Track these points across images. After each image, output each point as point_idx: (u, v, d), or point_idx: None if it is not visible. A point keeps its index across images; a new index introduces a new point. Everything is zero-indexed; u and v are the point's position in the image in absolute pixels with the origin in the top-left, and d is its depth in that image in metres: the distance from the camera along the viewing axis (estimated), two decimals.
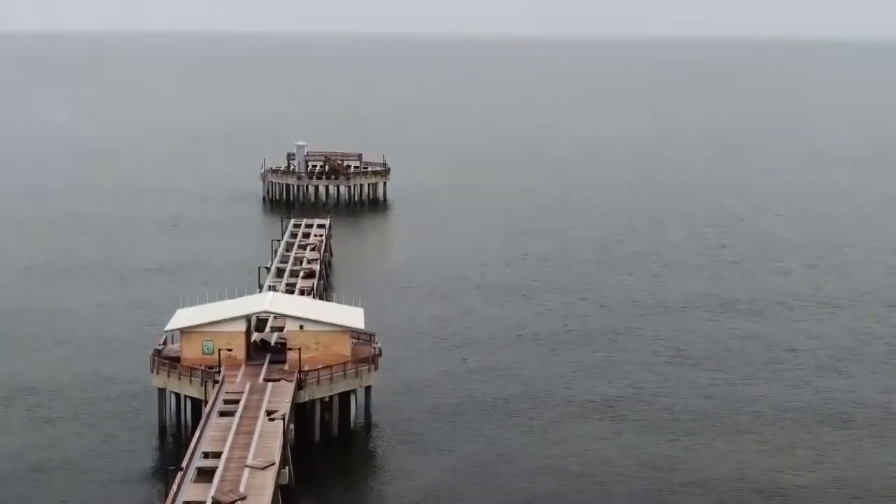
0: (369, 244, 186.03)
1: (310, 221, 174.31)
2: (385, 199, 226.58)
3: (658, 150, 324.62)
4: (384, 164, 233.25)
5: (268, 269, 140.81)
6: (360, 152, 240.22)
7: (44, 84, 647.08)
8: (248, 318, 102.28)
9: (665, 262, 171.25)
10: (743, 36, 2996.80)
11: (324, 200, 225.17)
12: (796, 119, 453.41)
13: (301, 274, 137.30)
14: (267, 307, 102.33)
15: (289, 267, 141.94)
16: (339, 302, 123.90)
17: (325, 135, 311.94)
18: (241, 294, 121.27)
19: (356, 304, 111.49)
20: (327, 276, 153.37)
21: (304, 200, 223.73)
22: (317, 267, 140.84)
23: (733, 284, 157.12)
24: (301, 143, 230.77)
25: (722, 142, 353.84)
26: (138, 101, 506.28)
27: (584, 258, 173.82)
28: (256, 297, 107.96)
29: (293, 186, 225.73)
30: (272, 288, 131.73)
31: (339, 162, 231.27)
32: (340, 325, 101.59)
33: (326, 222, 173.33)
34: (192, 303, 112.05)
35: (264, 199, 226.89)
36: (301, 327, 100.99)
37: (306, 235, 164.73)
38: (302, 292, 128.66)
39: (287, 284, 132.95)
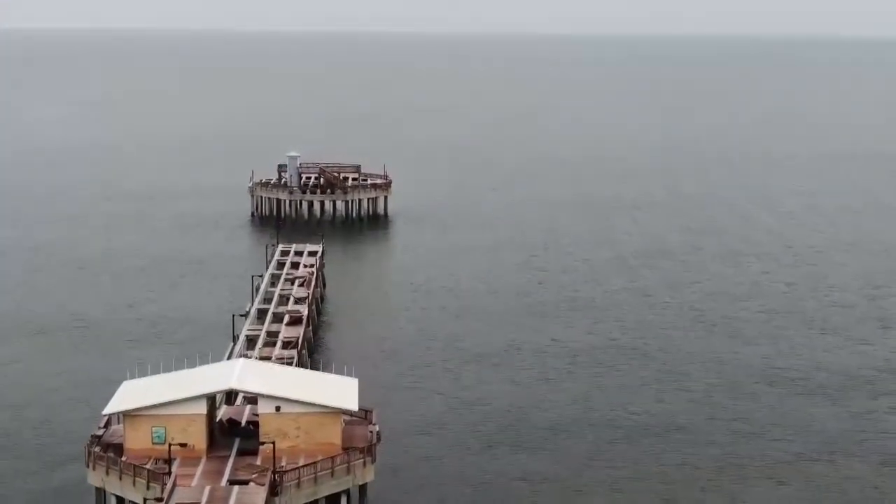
0: (368, 274, 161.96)
1: (300, 247, 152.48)
2: (386, 216, 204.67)
3: (674, 154, 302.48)
4: (385, 177, 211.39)
5: (245, 314, 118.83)
6: (359, 164, 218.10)
7: (30, 82, 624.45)
8: (209, 397, 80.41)
9: (694, 279, 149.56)
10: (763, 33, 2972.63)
11: (318, 217, 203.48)
12: (823, 121, 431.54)
13: (286, 320, 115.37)
14: (234, 384, 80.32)
15: (271, 309, 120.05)
16: (329, 359, 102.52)
17: (319, 144, 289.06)
18: (209, 351, 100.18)
19: (350, 361, 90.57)
20: (318, 315, 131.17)
21: (297, 217, 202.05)
22: (305, 310, 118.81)
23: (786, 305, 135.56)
24: (293, 153, 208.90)
25: (743, 147, 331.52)
26: (120, 102, 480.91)
27: (611, 285, 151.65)
28: (222, 367, 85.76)
29: (285, 202, 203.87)
30: (249, 340, 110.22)
31: (336, 174, 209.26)
32: (328, 406, 79.72)
33: (319, 249, 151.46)
34: (147, 365, 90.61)
35: (253, 216, 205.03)
36: (277, 409, 79.18)
37: (295, 266, 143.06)
38: (286, 344, 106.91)
39: (268, 333, 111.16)
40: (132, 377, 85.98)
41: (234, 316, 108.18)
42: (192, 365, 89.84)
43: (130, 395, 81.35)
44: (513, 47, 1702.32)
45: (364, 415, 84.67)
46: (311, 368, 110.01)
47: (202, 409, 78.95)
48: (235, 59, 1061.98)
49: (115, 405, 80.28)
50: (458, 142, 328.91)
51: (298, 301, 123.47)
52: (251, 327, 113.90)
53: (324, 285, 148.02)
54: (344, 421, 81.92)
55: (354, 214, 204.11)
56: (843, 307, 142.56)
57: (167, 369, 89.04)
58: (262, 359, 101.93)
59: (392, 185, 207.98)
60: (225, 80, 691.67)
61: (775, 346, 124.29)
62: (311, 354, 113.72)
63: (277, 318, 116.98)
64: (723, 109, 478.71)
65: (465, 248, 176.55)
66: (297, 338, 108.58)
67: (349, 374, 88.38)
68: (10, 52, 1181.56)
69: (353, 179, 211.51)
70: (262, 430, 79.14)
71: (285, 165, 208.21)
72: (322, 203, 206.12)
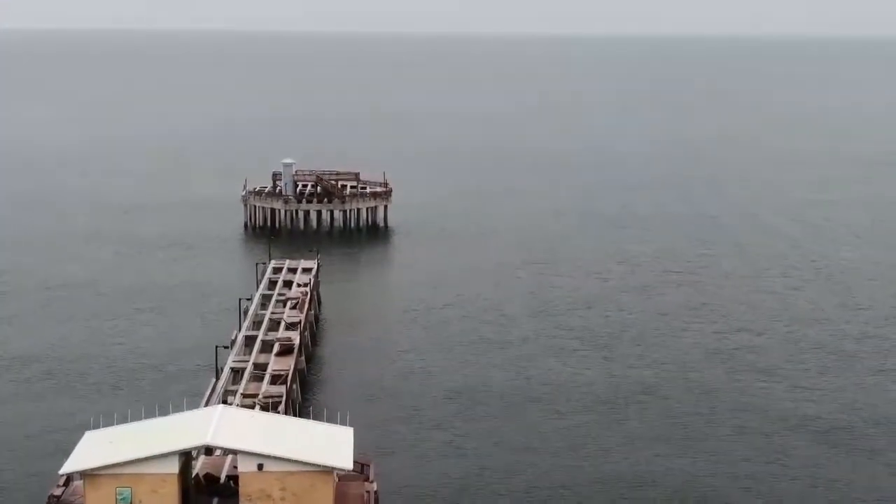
0: (367, 293, 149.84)
1: (293, 264, 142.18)
2: (386, 226, 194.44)
3: (684, 157, 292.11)
4: (385, 184, 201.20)
5: (231, 343, 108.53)
6: (358, 171, 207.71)
7: (19, 82, 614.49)
8: (182, 454, 70.11)
9: (710, 295, 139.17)
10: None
11: (314, 228, 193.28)
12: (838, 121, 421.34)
13: (275, 349, 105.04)
14: (209, 439, 69.90)
15: (260, 336, 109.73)
16: (322, 397, 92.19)
17: (316, 149, 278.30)
18: (189, 388, 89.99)
19: (345, 398, 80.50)
20: (312, 342, 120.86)
21: (292, 228, 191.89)
22: (297, 338, 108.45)
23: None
24: (288, 160, 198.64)
25: (755, 150, 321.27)
26: (110, 103, 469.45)
27: (627, 306, 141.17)
28: (198, 416, 75.22)
29: (279, 211, 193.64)
30: (235, 373, 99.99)
31: (333, 182, 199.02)
32: (317, 465, 69.44)
33: (314, 266, 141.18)
34: (113, 412, 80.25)
35: (246, 226, 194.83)
36: (260, 467, 68.94)
37: (287, 284, 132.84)
38: (275, 379, 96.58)
39: (255, 366, 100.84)
40: (97, 426, 75.67)
41: (217, 347, 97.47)
42: (166, 407, 79.61)
43: (93, 449, 70.96)
44: (510, 47, 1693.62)
45: (360, 469, 74.56)
46: (303, 404, 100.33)
47: (174, 467, 68.67)
48: (231, 61, 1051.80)
49: (74, 462, 69.88)
50: (459, 146, 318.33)
51: (290, 327, 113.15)
52: (237, 358, 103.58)
53: (319, 304, 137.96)
54: (337, 476, 71.83)
55: (353, 225, 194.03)
56: (877, 328, 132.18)
57: (137, 416, 78.62)
58: (247, 396, 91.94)
59: (392, 193, 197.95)
60: (219, 81, 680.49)
61: (807, 376, 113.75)
62: (302, 390, 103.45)
63: (266, 347, 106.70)
64: (730, 111, 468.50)
65: (469, 263, 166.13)
66: (288, 371, 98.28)
67: (344, 417, 78.23)
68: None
69: (352, 188, 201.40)
70: (241, 491, 68.92)
71: (280, 173, 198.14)
72: (319, 213, 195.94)
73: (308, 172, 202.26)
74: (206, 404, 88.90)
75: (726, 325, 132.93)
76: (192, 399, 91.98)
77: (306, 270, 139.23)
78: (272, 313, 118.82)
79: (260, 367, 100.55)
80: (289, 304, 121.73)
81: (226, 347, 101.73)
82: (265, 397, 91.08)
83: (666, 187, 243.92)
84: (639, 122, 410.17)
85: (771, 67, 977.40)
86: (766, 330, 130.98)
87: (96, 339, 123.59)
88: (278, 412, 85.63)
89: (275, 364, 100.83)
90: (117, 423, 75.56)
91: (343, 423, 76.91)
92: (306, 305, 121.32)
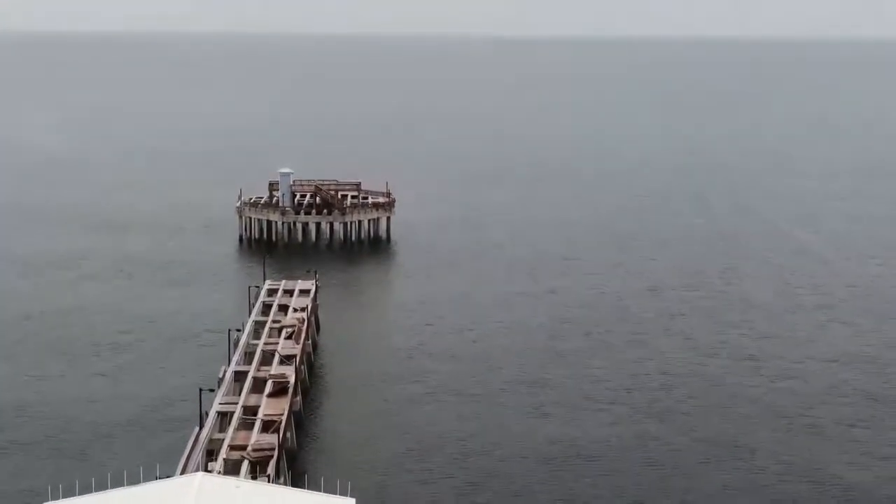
0: (369, 316, 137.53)
1: (290, 285, 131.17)
2: (389, 239, 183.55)
3: (697, 165, 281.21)
4: (388, 194, 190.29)
5: (217, 383, 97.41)
6: (359, 180, 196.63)
7: (20, 86, 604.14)
8: None
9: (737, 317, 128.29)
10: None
11: (313, 241, 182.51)
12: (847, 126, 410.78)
13: (268, 388, 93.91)
14: None
15: (251, 372, 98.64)
16: (318, 448, 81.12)
17: (314, 158, 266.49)
18: (168, 440, 79.16)
19: (346, 450, 69.00)
20: (309, 376, 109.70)
21: (290, 241, 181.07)
22: (292, 375, 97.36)
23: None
24: (286, 169, 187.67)
25: (772, 157, 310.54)
26: (99, 108, 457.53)
27: (646, 328, 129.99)
28: (173, 488, 64.06)
29: (276, 224, 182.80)
30: (222, 417, 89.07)
31: (333, 192, 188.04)
32: None
33: (312, 287, 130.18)
34: (75, 478, 69.21)
35: (241, 239, 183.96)
36: None
37: (283, 309, 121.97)
38: (266, 426, 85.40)
39: (245, 409, 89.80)
40: (55, 496, 64.81)
41: (201, 391, 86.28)
42: (136, 474, 68.69)
43: None
44: (512, 49, 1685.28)
45: None
46: (300, 454, 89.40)
47: None
48: (228, 62, 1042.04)
49: None
50: (465, 152, 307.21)
51: (285, 360, 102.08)
52: (224, 400, 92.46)
53: (318, 329, 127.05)
54: None
55: (354, 238, 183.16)
56: None
57: (103, 482, 67.71)
58: (234, 448, 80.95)
59: (396, 204, 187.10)
60: (215, 84, 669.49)
61: (853, 409, 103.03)
62: (298, 435, 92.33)
63: (258, 385, 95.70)
64: (744, 115, 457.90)
65: (478, 280, 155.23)
66: (282, 417, 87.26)
67: (345, 484, 67.55)
68: None
69: (353, 198, 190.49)
70: None
71: (277, 183, 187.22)
72: (318, 225, 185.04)
73: (306, 182, 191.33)
74: (187, 462, 78.00)
75: (755, 341, 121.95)
76: (170, 456, 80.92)
77: (304, 293, 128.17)
78: (265, 343, 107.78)
79: (250, 411, 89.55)
80: (284, 332, 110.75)
81: (211, 390, 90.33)
82: (255, 450, 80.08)
83: (681, 198, 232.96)
84: (646, 125, 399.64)
85: (788, 70, 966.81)
86: (804, 359, 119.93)
87: (62, 385, 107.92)
88: (268, 475, 74.60)
89: (267, 407, 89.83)
90: (80, 493, 64.61)
91: (343, 490, 66.30)
92: (303, 335, 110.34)
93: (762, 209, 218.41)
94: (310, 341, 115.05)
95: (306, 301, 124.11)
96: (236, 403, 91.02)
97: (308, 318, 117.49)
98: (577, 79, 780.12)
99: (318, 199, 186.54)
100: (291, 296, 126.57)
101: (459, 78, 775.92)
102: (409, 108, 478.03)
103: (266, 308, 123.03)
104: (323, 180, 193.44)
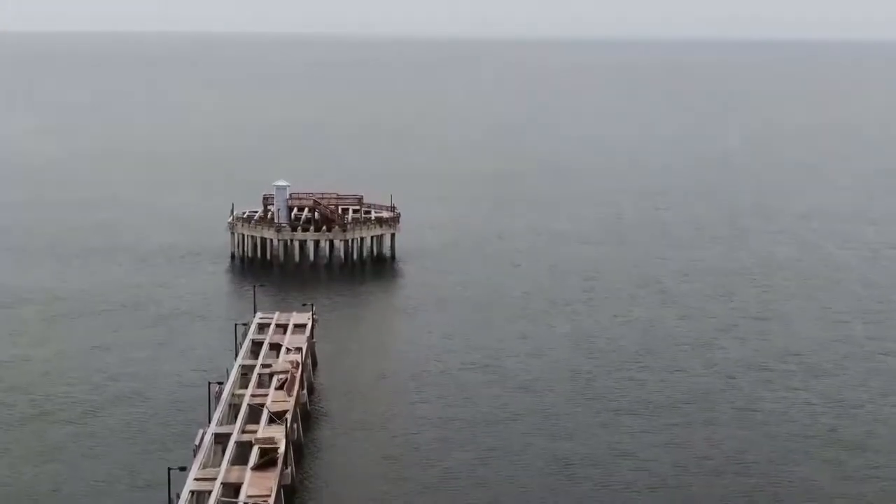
0: (372, 353, 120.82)
1: (283, 318, 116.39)
2: (394, 258, 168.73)
3: (710, 170, 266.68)
4: (392, 209, 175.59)
5: (194, 451, 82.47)
6: (361, 194, 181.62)
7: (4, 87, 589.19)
8: None
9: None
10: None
11: (311, 261, 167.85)
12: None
13: (253, 459, 78.99)
14: None
15: (234, 436, 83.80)
16: None
17: (313, 169, 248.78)
18: None
19: None
20: (303, 435, 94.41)
21: (286, 260, 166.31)
22: (282, 438, 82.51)
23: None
24: (282, 182, 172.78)
25: (787, 160, 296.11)
26: (85, 112, 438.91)
27: (671, 353, 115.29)
28: None
29: (271, 241, 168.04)
30: (197, 497, 74.37)
31: (333, 208, 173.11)
32: None
33: (308, 321, 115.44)
34: None
35: (233, 258, 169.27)
36: None
37: (275, 348, 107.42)
38: None
39: (224, 486, 75.06)
40: None
41: (169, 470, 71.32)
42: None
43: None
44: (514, 51, 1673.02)
45: None
46: None
47: None
48: (224, 64, 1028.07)
49: None
50: (473, 163, 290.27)
51: (274, 418, 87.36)
52: (201, 475, 77.59)
53: (314, 368, 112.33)
54: None
55: (356, 257, 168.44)
56: None
57: None
58: None
59: (401, 219, 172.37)
60: (209, 88, 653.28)
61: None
62: None
63: (242, 454, 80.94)
64: (756, 117, 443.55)
65: (492, 306, 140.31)
66: (268, 499, 72.52)
67: None
68: None
69: (355, 213, 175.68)
70: None
71: (272, 197, 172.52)
72: (316, 243, 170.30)
73: (304, 195, 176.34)
74: None
75: (790, 357, 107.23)
76: None
77: (298, 328, 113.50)
78: (252, 396, 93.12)
79: (230, 490, 74.85)
80: (274, 381, 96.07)
81: (182, 469, 75.21)
82: None
83: (695, 200, 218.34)
84: (657, 128, 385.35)
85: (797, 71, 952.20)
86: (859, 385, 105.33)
87: (16, 446, 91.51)
88: None
89: (251, 485, 75.03)
90: None
91: None
92: (296, 384, 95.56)
93: (781, 209, 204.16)
94: (304, 390, 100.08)
95: (301, 339, 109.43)
96: (214, 479, 76.19)
97: (303, 362, 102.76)
98: (579, 80, 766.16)
99: (316, 213, 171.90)
100: (285, 332, 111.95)
101: (460, 78, 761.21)
102: (411, 113, 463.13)
103: (255, 347, 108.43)
104: (322, 193, 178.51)
